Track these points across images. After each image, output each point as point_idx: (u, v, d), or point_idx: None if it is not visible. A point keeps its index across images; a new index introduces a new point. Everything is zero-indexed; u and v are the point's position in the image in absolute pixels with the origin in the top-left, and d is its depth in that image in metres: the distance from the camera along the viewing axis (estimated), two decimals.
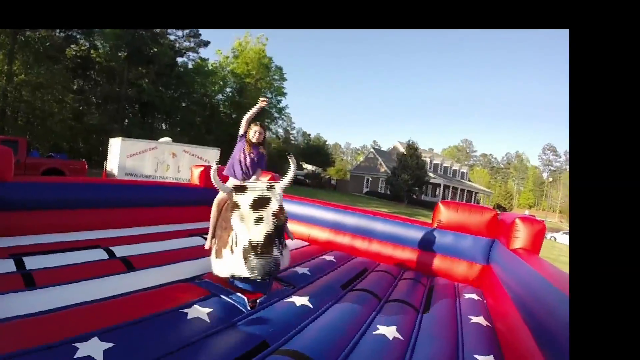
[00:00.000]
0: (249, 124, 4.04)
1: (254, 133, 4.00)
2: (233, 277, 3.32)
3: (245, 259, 2.72)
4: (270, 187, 3.00)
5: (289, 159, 3.29)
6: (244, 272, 2.93)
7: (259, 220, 2.77)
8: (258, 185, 3.05)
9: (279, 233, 2.90)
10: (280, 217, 2.87)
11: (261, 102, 4.06)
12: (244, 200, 2.87)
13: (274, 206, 2.86)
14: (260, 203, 2.84)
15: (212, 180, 3.09)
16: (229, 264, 3.18)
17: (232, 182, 3.80)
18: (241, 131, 4.04)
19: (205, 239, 5.04)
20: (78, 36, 35.55)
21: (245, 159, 3.96)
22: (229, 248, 3.16)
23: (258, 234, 2.74)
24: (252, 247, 2.71)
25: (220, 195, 3.85)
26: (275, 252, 2.77)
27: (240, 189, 2.97)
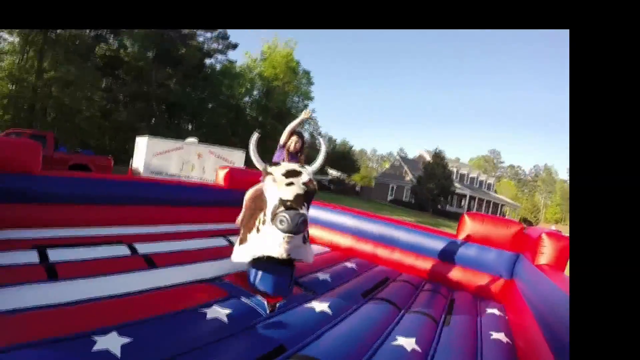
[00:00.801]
0: (290, 135, 4.10)
1: (290, 142, 4.10)
2: (255, 261, 3.32)
3: (275, 214, 2.73)
4: (301, 167, 3.10)
5: (321, 140, 3.39)
6: (268, 249, 3.01)
7: (289, 184, 2.84)
8: (290, 164, 3.16)
9: (308, 199, 2.94)
10: (310, 186, 2.93)
11: (305, 115, 4.12)
12: (277, 170, 2.97)
13: (304, 177, 2.94)
14: (292, 174, 2.93)
15: (251, 152, 3.19)
16: (254, 243, 3.22)
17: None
18: (282, 141, 4.13)
19: (228, 240, 5.09)
20: (107, 35, 36.33)
21: None
22: (255, 229, 3.22)
23: (288, 193, 2.79)
24: (282, 202, 2.75)
25: (253, 187, 4.01)
26: (304, 210, 2.79)
27: (275, 163, 3.12)
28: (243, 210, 3.93)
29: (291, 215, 2.64)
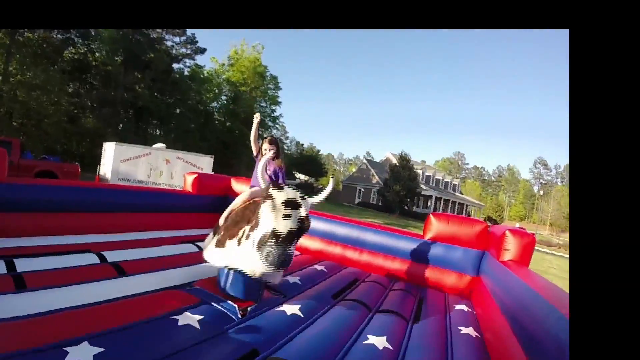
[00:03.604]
0: (257, 142, 4.12)
1: (265, 150, 4.12)
2: (229, 269, 3.32)
3: (264, 243, 2.77)
4: (302, 197, 3.08)
5: (331, 178, 3.45)
6: (244, 266, 3.03)
7: (287, 216, 2.84)
8: (293, 191, 3.14)
9: (299, 236, 2.96)
10: (305, 223, 2.94)
11: (257, 119, 4.13)
12: (279, 196, 2.95)
13: (302, 212, 2.94)
14: (292, 204, 2.92)
15: (259, 173, 3.26)
16: (232, 255, 3.23)
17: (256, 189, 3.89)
18: (254, 152, 4.13)
19: (197, 246, 5.06)
20: (76, 39, 35.58)
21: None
22: (236, 240, 3.23)
23: (283, 226, 2.80)
24: (274, 235, 2.78)
25: (248, 193, 3.97)
26: (292, 248, 2.84)
27: (279, 186, 3.08)
28: (229, 210, 3.92)
29: (278, 253, 2.69)
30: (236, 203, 3.93)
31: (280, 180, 4.13)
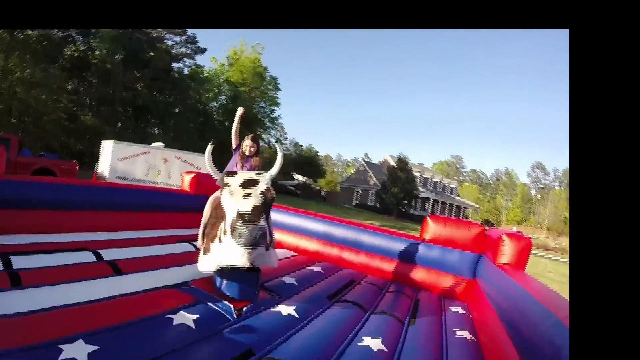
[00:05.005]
0: (238, 136, 4.11)
1: (245, 147, 4.08)
2: (221, 270, 3.32)
3: (233, 228, 2.78)
4: (258, 174, 3.14)
5: (277, 146, 3.45)
6: (231, 259, 3.00)
7: (247, 195, 2.89)
8: (248, 172, 3.23)
9: (266, 209, 3.00)
10: (268, 195, 2.98)
11: (239, 111, 4.17)
12: (234, 180, 3.02)
13: (262, 186, 2.99)
14: (249, 183, 2.99)
15: (206, 163, 3.31)
16: (217, 254, 3.22)
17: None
18: (233, 145, 4.11)
19: (194, 245, 5.05)
20: (76, 37, 35.54)
21: None
22: (217, 239, 3.23)
23: (246, 205, 2.84)
24: (240, 216, 2.79)
25: (214, 195, 3.96)
26: (262, 222, 2.83)
27: (232, 173, 3.16)
28: (204, 219, 3.98)
29: (249, 229, 2.68)
30: (206, 211, 4.00)
31: None
